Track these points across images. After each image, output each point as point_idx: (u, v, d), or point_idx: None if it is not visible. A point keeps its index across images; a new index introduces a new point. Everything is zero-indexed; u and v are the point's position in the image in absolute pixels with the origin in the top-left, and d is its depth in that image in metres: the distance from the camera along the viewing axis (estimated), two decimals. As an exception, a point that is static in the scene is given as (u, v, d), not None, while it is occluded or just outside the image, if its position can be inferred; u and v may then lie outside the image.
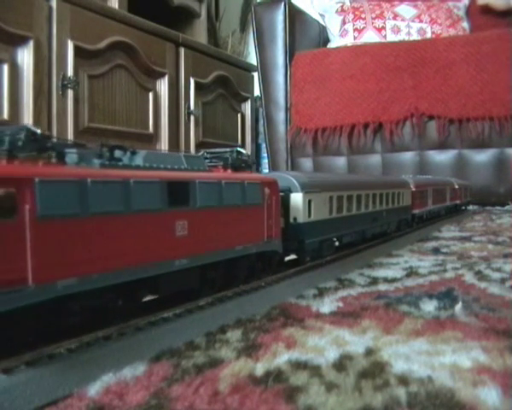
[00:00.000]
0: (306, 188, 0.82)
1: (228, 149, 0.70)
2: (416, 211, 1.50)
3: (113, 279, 0.47)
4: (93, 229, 0.45)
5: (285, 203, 0.79)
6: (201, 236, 0.58)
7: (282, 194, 0.77)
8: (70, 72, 2.27)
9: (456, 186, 2.10)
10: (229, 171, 0.68)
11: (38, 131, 0.44)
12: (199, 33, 3.34)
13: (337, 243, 0.97)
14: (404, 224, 1.39)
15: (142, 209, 0.49)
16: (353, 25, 2.91)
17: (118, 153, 0.51)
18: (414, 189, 1.47)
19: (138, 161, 0.53)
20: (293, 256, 0.87)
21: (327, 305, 0.66)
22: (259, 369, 0.44)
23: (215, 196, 0.60)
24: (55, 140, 0.46)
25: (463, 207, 2.29)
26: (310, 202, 0.83)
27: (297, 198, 0.81)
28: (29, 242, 0.39)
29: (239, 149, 0.70)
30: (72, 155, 0.47)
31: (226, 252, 0.63)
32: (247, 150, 0.71)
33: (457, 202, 2.12)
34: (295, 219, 0.81)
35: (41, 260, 0.40)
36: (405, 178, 1.52)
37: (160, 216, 0.52)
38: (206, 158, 0.67)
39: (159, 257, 0.52)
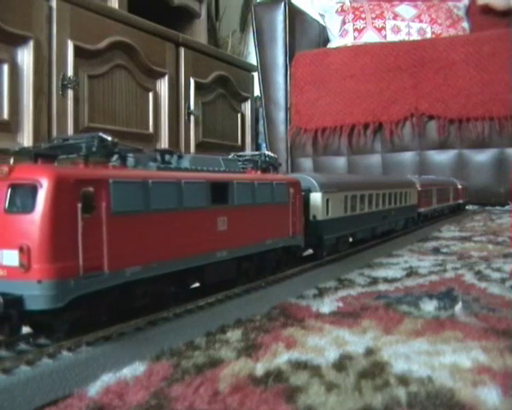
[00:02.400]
0: (325, 188, 0.89)
1: (257, 153, 0.77)
2: (422, 209, 1.54)
3: (168, 268, 0.54)
4: (153, 223, 0.51)
5: (305, 202, 0.85)
6: (238, 230, 0.65)
7: (302, 193, 0.83)
8: (70, 72, 2.27)
9: (460, 186, 2.13)
10: (259, 172, 0.74)
11: (109, 138, 0.50)
12: (199, 33, 3.34)
13: (351, 240, 1.04)
14: (411, 222, 1.44)
15: (190, 206, 0.56)
16: (353, 25, 2.91)
17: (167, 157, 0.58)
18: (420, 188, 1.51)
19: (185, 163, 0.60)
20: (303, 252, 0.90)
21: (327, 305, 0.66)
22: (259, 369, 0.44)
23: (249, 195, 0.67)
24: (121, 146, 0.52)
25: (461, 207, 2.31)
26: (328, 201, 0.89)
27: (316, 197, 0.87)
28: (105, 234, 0.46)
29: (267, 152, 0.77)
30: (130, 159, 0.54)
31: (258, 245, 0.70)
32: (274, 153, 0.77)
33: (460, 201, 2.16)
34: (314, 216, 0.87)
35: (114, 250, 0.46)
36: (411, 178, 1.56)
37: (205, 213, 0.59)
38: (239, 161, 0.74)
39: (204, 249, 0.59)
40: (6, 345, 0.45)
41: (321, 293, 0.73)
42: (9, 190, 0.44)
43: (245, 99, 3.52)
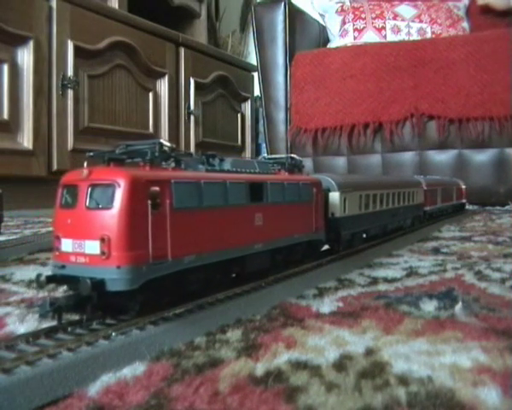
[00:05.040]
0: (342, 188, 0.95)
1: (284, 156, 0.85)
2: (428, 208, 1.60)
3: (217, 257, 0.61)
4: (204, 218, 0.58)
5: (325, 200, 0.91)
6: (271, 226, 0.72)
7: (323, 192, 0.90)
8: (70, 72, 2.27)
9: (463, 186, 2.16)
10: (286, 173, 0.81)
11: (168, 144, 0.56)
12: (199, 33, 3.33)
13: (364, 236, 1.10)
14: (418, 219, 1.50)
15: (233, 204, 0.63)
16: (353, 25, 2.91)
17: (210, 160, 0.65)
18: (425, 188, 1.57)
19: (227, 166, 0.67)
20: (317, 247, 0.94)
21: (327, 305, 0.66)
22: (259, 369, 0.44)
23: (280, 194, 0.74)
24: (177, 151, 0.58)
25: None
26: (345, 199, 0.95)
27: (335, 196, 0.93)
28: (168, 227, 0.52)
29: (292, 155, 0.85)
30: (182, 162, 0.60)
31: (288, 239, 0.77)
32: (297, 157, 0.88)
33: (463, 201, 2.18)
34: (333, 214, 0.94)
35: (175, 241, 0.53)
36: (418, 178, 1.63)
37: (245, 209, 0.66)
38: (268, 163, 0.81)
39: (244, 242, 0.66)
40: (6, 345, 0.45)
41: (321, 293, 0.73)
42: (89, 190, 0.50)
43: (245, 99, 3.52)
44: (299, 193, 0.80)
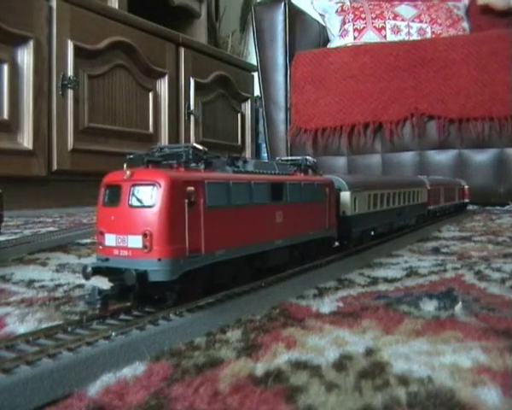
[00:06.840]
0: (353, 187, 1.00)
1: (299, 157, 0.89)
2: (431, 207, 1.64)
3: (243, 252, 0.65)
4: (232, 216, 0.63)
5: (336, 199, 0.96)
6: (290, 223, 0.76)
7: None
8: (70, 72, 2.27)
9: (466, 186, 2.17)
10: (302, 174, 0.86)
11: (200, 147, 0.60)
12: (199, 33, 3.34)
13: (372, 233, 1.14)
14: (422, 218, 1.54)
15: (257, 202, 0.67)
16: (353, 25, 2.91)
17: (235, 162, 0.70)
18: (429, 187, 1.60)
19: (250, 167, 0.72)
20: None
21: (327, 305, 0.66)
22: (259, 369, 0.44)
23: (297, 194, 0.79)
24: (208, 154, 0.62)
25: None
26: (355, 199, 1.00)
27: (346, 196, 0.98)
28: (202, 224, 0.56)
29: (307, 157, 0.89)
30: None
31: (304, 236, 0.82)
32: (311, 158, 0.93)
33: (466, 200, 2.20)
34: (344, 212, 0.98)
35: (208, 237, 0.57)
36: (422, 178, 1.67)
37: (267, 208, 0.71)
38: (286, 164, 0.85)
39: (266, 238, 0.71)
40: (6, 345, 0.45)
41: (321, 293, 0.73)
42: (132, 189, 0.54)
43: (245, 99, 3.52)
44: (314, 193, 0.84)
